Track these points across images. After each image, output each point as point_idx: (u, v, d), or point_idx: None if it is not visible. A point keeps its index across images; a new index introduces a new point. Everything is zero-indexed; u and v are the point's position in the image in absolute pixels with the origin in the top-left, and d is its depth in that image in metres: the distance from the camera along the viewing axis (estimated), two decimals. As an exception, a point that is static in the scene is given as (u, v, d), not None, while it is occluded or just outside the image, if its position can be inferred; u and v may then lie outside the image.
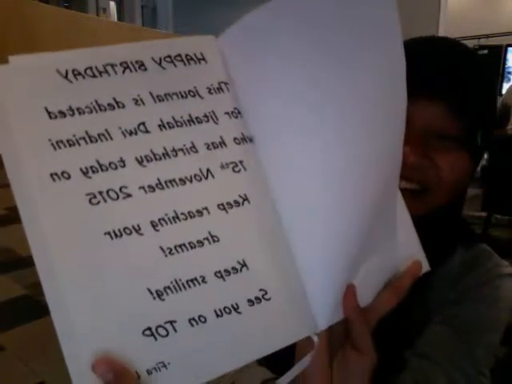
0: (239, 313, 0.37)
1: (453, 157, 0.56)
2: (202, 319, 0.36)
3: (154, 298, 0.35)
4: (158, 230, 0.36)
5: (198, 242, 0.37)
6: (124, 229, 0.35)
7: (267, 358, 0.41)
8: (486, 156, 4.32)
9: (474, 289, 0.61)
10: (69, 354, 0.33)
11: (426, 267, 0.45)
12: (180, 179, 0.37)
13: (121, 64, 0.37)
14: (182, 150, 0.38)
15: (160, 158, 0.37)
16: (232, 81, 0.41)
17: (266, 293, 0.38)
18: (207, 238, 0.37)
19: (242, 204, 0.39)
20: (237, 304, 0.37)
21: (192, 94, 0.39)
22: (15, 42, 5.21)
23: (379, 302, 0.43)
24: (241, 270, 0.38)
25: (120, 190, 0.36)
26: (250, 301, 0.38)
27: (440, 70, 0.55)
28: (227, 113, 0.40)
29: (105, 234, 0.35)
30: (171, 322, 0.35)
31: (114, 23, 9.33)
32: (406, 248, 0.45)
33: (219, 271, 0.37)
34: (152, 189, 0.36)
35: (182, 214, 0.37)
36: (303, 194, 0.40)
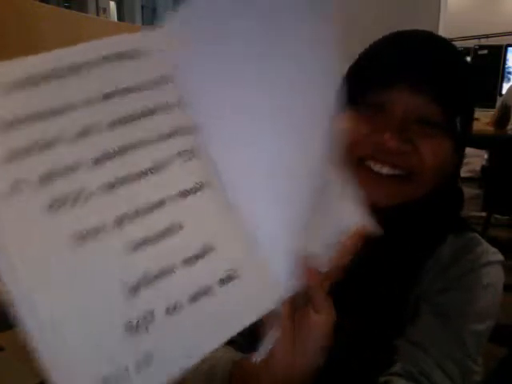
0: (212, 294, 0.39)
1: (434, 142, 0.58)
2: (178, 305, 0.37)
3: (129, 293, 0.36)
4: (122, 227, 0.37)
5: (162, 232, 0.38)
6: (88, 230, 0.35)
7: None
8: (486, 156, 4.32)
9: (462, 277, 0.62)
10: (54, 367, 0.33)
11: (375, 230, 0.48)
12: (136, 174, 0.38)
13: (68, 68, 0.38)
14: (134, 145, 0.39)
15: (114, 156, 0.38)
16: (177, 72, 0.42)
17: (235, 271, 0.40)
18: (170, 228, 0.38)
19: (199, 190, 0.40)
20: (209, 286, 0.39)
21: (138, 88, 0.40)
22: (15, 42, 5.20)
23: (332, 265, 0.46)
24: (208, 253, 0.39)
25: (79, 192, 0.36)
26: (221, 281, 0.39)
27: (420, 58, 0.57)
28: (173, 104, 0.41)
29: (70, 237, 0.35)
30: (149, 314, 0.36)
31: (114, 23, 9.30)
32: (354, 217, 0.48)
33: (187, 258, 0.39)
34: (110, 187, 0.37)
35: (144, 207, 0.38)
36: (251, 173, 0.43)
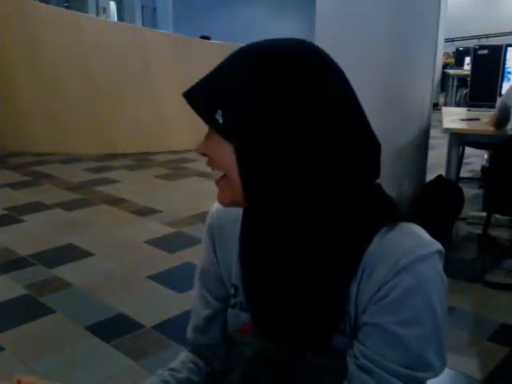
0: None
1: (210, 141, 0.62)
2: None
3: None
4: None
5: None
6: None
7: None
8: (486, 156, 4.31)
9: (396, 278, 0.59)
10: None
11: None
12: None
13: None
14: None
15: None
16: None
17: None
18: None
19: None
20: None
21: None
22: (15, 43, 5.20)
23: None
24: None
25: None
26: None
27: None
28: None
29: None
30: None
31: (113, 23, 9.30)
32: None
33: None
34: None
35: None
36: None
